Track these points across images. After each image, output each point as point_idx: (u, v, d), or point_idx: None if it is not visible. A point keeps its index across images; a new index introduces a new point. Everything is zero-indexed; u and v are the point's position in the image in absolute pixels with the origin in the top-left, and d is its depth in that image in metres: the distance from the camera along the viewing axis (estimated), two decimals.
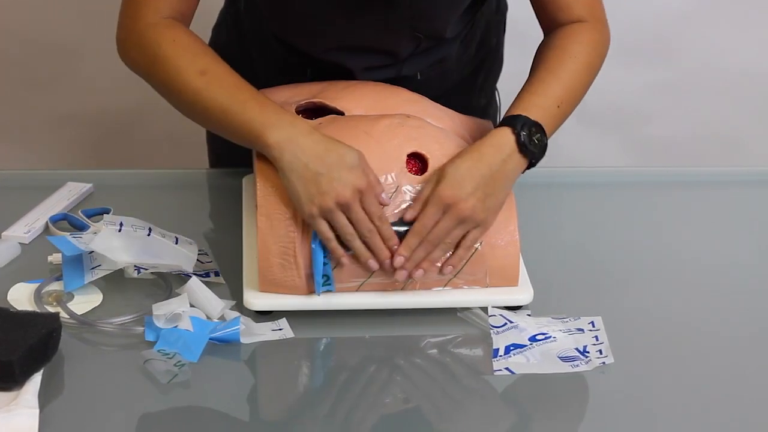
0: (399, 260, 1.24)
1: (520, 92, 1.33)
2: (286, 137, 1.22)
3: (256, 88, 1.28)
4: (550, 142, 1.29)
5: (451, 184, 1.23)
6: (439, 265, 1.27)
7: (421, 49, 1.46)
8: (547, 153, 1.29)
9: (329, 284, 1.26)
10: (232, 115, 1.25)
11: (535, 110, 1.29)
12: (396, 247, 1.25)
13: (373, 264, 1.24)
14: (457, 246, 1.26)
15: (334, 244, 1.23)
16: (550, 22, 1.42)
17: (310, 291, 1.27)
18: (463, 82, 1.59)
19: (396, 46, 1.44)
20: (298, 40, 1.47)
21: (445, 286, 1.29)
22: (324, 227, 1.23)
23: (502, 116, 1.66)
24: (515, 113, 1.28)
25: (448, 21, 1.45)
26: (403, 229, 1.26)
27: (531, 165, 1.28)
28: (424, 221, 1.24)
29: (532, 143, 1.27)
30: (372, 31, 1.41)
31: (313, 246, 1.24)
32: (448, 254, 1.26)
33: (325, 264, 1.25)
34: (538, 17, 1.44)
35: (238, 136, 1.26)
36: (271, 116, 1.24)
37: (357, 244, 1.24)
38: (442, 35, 1.46)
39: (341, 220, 1.22)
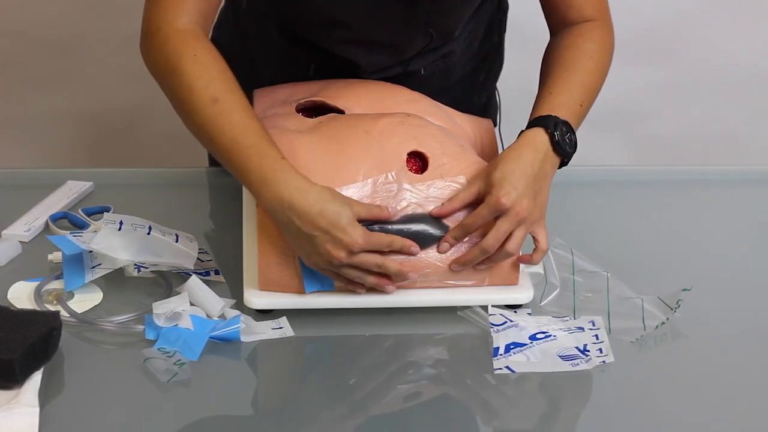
0: (445, 246, 1.26)
1: (541, 92, 1.34)
2: (279, 199, 1.20)
3: (261, 127, 1.24)
4: None
5: (503, 188, 1.24)
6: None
7: (430, 47, 1.46)
8: None
9: (330, 283, 1.26)
10: (232, 158, 1.22)
11: (561, 110, 1.30)
12: (414, 249, 1.24)
13: (391, 289, 1.26)
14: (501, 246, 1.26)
15: (348, 285, 1.25)
16: (560, 21, 1.43)
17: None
18: (465, 78, 1.59)
19: (408, 43, 1.45)
20: (310, 32, 1.46)
21: (447, 281, 1.29)
22: (331, 274, 1.24)
23: (501, 115, 1.68)
24: (544, 114, 1.30)
25: (461, 18, 1.45)
26: (406, 227, 1.25)
27: (563, 164, 1.30)
28: (475, 220, 1.25)
29: (565, 142, 1.28)
30: (389, 26, 1.41)
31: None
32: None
33: None
34: (547, 16, 1.45)
35: (237, 177, 1.24)
36: (267, 172, 1.20)
37: (369, 280, 1.24)
38: (452, 32, 1.47)
39: (344, 271, 1.23)
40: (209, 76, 1.24)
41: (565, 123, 1.29)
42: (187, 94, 1.24)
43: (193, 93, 1.23)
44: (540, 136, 1.28)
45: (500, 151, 1.42)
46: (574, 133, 1.30)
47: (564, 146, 1.28)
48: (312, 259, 1.23)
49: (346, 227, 1.20)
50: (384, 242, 1.23)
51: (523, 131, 1.30)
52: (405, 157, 1.29)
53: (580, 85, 1.35)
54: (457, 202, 1.27)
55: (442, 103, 1.43)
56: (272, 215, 1.22)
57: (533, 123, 1.30)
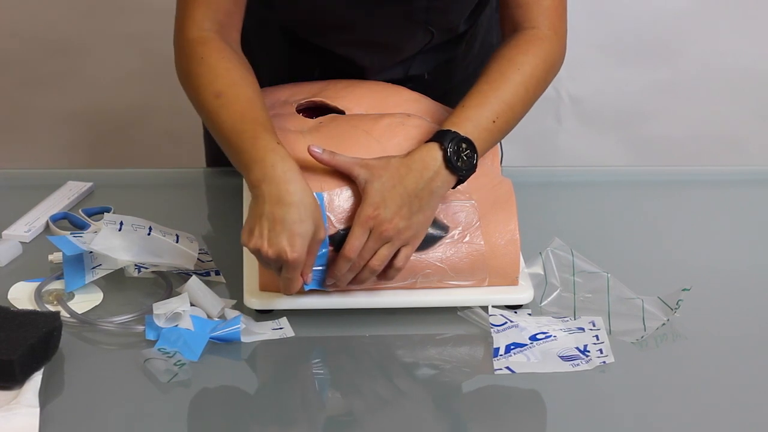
0: (329, 282, 1.24)
1: (458, 104, 1.31)
2: (264, 173, 1.19)
3: (262, 116, 1.25)
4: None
5: (374, 203, 1.22)
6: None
7: (431, 46, 1.46)
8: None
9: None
10: (230, 144, 1.25)
11: (467, 125, 1.27)
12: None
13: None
14: (389, 263, 1.24)
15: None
16: (508, 22, 1.40)
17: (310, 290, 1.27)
18: (466, 81, 1.58)
19: (408, 42, 1.45)
20: (311, 34, 1.47)
21: (447, 282, 1.29)
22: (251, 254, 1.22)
23: None
24: (446, 128, 1.27)
25: (461, 14, 1.45)
26: None
27: (460, 181, 1.26)
28: (352, 242, 1.22)
29: (460, 160, 1.25)
30: (387, 24, 1.41)
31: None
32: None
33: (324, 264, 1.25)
34: (500, 17, 1.43)
35: (232, 161, 1.26)
36: (259, 151, 1.21)
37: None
38: (454, 29, 1.46)
39: (262, 260, 1.21)
40: (213, 75, 1.29)
41: (466, 140, 1.25)
42: (195, 94, 1.30)
43: (199, 92, 1.29)
44: (434, 152, 1.24)
45: (500, 152, 1.42)
46: (475, 151, 1.26)
47: (456, 164, 1.24)
48: (245, 236, 1.20)
49: (295, 235, 1.17)
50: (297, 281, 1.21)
51: (425, 142, 1.26)
52: None
53: (497, 101, 1.30)
54: (335, 159, 1.25)
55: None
56: (252, 190, 1.21)
57: (432, 137, 1.26)
